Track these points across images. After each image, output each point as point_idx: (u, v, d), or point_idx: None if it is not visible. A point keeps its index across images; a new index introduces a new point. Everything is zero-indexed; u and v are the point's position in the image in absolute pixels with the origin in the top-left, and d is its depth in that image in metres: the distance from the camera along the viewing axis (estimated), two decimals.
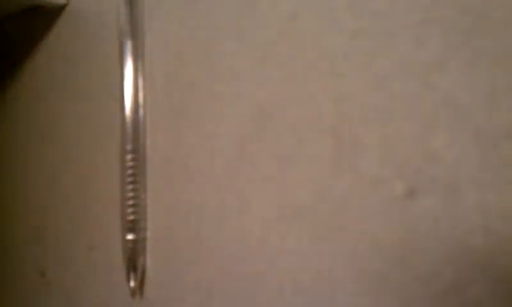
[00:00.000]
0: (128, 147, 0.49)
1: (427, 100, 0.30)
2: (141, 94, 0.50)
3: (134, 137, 0.49)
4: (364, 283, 0.33)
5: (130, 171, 0.49)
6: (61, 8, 0.62)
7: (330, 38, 0.35)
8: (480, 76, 0.28)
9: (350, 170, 0.34)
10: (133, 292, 0.49)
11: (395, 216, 0.32)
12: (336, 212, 0.35)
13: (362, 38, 0.33)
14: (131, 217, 0.48)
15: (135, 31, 0.50)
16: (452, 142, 0.29)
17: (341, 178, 0.34)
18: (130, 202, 0.48)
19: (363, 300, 0.33)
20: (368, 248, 0.33)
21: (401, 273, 0.32)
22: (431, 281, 0.30)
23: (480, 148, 0.28)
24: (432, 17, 0.30)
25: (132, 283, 0.48)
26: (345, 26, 0.34)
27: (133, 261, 0.48)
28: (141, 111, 0.50)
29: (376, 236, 0.33)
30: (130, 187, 0.48)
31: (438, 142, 0.30)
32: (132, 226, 0.48)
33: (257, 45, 0.40)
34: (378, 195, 0.33)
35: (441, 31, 0.30)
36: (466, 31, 0.29)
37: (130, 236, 0.48)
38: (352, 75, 0.34)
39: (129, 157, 0.49)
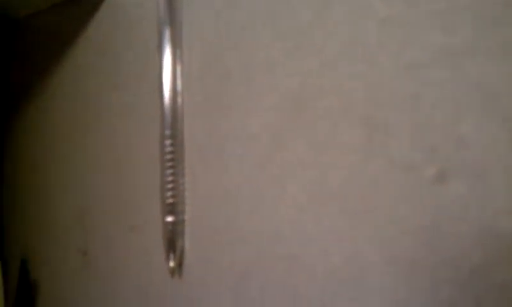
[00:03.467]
0: (167, 133, 0.51)
1: (457, 86, 0.31)
2: (179, 82, 0.51)
3: (172, 124, 0.51)
4: (394, 265, 0.34)
5: (169, 156, 0.50)
6: (101, 0, 0.64)
7: (362, 26, 0.36)
8: (509, 62, 0.29)
9: (382, 155, 0.35)
10: (172, 272, 0.51)
11: (425, 200, 0.33)
12: (368, 196, 0.36)
13: (393, 26, 0.34)
14: (170, 200, 0.50)
15: (173, 21, 0.52)
16: (481, 127, 0.30)
17: (373, 163, 0.35)
18: (170, 186, 0.50)
19: (393, 281, 0.34)
20: (398, 231, 0.34)
21: (431, 255, 0.32)
22: (460, 264, 0.31)
23: (509, 133, 0.29)
24: (462, 5, 0.31)
25: (171, 263, 0.50)
26: (377, 14, 0.35)
27: (172, 242, 0.50)
28: (179, 99, 0.51)
29: (407, 220, 0.34)
30: (169, 171, 0.50)
31: (468, 127, 0.31)
32: (171, 209, 0.50)
33: (291, 34, 0.41)
34: (409, 179, 0.33)
35: (471, 18, 0.30)
36: (496, 18, 0.29)
37: (169, 219, 0.50)
38: (383, 63, 0.35)
39: (168, 142, 0.51)
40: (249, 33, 0.45)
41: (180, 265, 0.51)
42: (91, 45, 0.67)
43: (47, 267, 0.76)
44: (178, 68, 0.51)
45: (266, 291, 0.43)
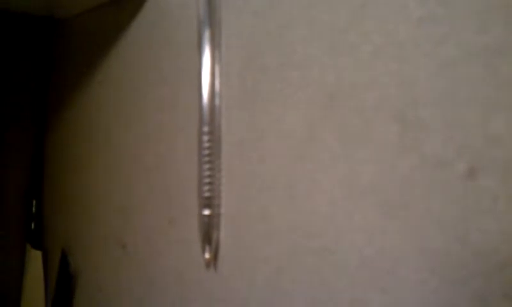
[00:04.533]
0: (205, 129, 0.52)
1: (489, 84, 0.32)
2: (217, 80, 0.53)
3: (210, 120, 0.52)
4: (426, 259, 0.35)
5: (206, 152, 0.52)
6: (144, 0, 0.66)
7: (397, 25, 0.37)
8: None
9: (414, 151, 0.36)
10: (207, 264, 0.52)
11: (456, 195, 0.33)
12: (400, 190, 0.37)
13: (428, 25, 0.35)
14: (207, 194, 0.52)
15: (212, 20, 0.53)
16: None
17: (405, 159, 0.36)
18: (207, 180, 0.52)
19: (424, 275, 0.35)
20: (430, 225, 0.35)
21: (461, 249, 0.33)
22: (490, 257, 0.32)
23: None
24: (495, 4, 0.32)
25: (207, 256, 0.52)
26: (411, 13, 0.36)
27: (208, 235, 0.52)
28: (217, 96, 0.53)
29: (438, 214, 0.34)
30: (206, 166, 0.52)
31: (499, 124, 0.31)
32: (208, 203, 0.52)
33: (327, 32, 0.43)
34: (441, 175, 0.34)
35: (504, 17, 0.31)
36: None
37: (206, 212, 0.51)
38: (417, 60, 0.36)
39: (206, 138, 0.52)
40: (286, 32, 0.46)
41: (215, 256, 0.52)
42: (132, 45, 0.69)
43: (87, 259, 0.79)
44: (217, 66, 0.53)
45: (299, 284, 0.44)
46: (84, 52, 0.84)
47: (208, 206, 0.52)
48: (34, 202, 0.94)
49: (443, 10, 0.34)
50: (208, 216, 0.52)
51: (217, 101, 0.53)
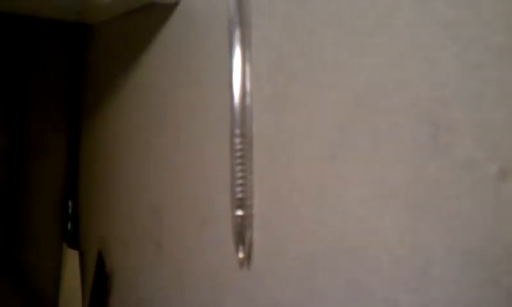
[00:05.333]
0: (237, 131, 0.54)
1: None
2: (248, 83, 0.54)
3: (242, 122, 0.53)
4: (457, 258, 0.36)
5: (238, 154, 0.53)
6: (175, 4, 0.68)
7: (426, 28, 0.37)
8: None
9: (445, 152, 0.36)
10: (241, 263, 0.54)
11: (487, 196, 0.34)
12: (431, 191, 0.37)
13: (457, 28, 0.35)
14: (240, 195, 0.53)
15: (243, 24, 0.54)
16: None
17: (436, 160, 0.37)
18: (239, 181, 0.53)
19: (455, 274, 0.36)
20: (461, 225, 0.35)
21: (493, 249, 0.34)
22: None
23: None
24: None
25: (240, 255, 0.53)
26: (440, 16, 0.36)
27: (241, 235, 0.53)
28: (248, 98, 0.54)
29: (469, 215, 0.35)
30: (238, 168, 0.53)
31: None
32: (241, 203, 0.53)
33: (356, 35, 0.43)
34: (471, 176, 0.35)
35: None
36: None
37: (239, 213, 0.53)
38: (447, 63, 0.36)
39: (238, 140, 0.53)
40: (315, 34, 0.47)
41: (248, 256, 0.53)
42: (163, 48, 0.71)
43: (122, 259, 0.81)
44: (248, 69, 0.54)
45: (331, 283, 0.45)
46: (116, 56, 0.86)
47: (240, 207, 0.53)
48: (70, 203, 0.96)
49: (471, 12, 0.34)
50: (241, 217, 0.53)
51: (248, 103, 0.54)
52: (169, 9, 0.69)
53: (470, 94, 0.35)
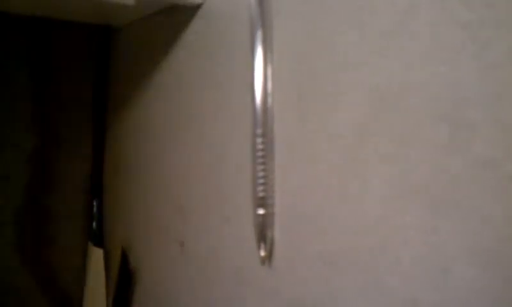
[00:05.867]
0: (259, 131, 0.54)
1: None
2: (269, 83, 0.55)
3: (263, 122, 0.54)
4: (477, 256, 0.36)
5: (260, 153, 0.54)
6: (198, 6, 0.69)
7: (445, 28, 0.38)
8: None
9: (464, 151, 0.36)
10: (263, 261, 0.54)
11: (506, 194, 0.34)
12: (450, 190, 0.37)
13: (475, 28, 0.36)
14: (261, 194, 0.54)
15: (264, 25, 0.55)
16: None
17: (455, 159, 0.37)
18: (261, 181, 0.54)
19: (475, 272, 0.36)
20: (481, 224, 0.36)
21: None
22: None
23: None
24: None
25: (262, 253, 0.54)
26: (459, 16, 0.37)
27: (263, 233, 0.54)
28: (269, 99, 0.55)
29: (489, 213, 0.35)
30: (260, 167, 0.54)
31: None
32: (262, 202, 0.54)
33: (377, 36, 0.44)
34: (490, 175, 0.35)
35: None
36: None
37: (260, 211, 0.53)
38: (465, 63, 0.36)
39: (259, 140, 0.54)
40: (336, 36, 0.48)
41: (270, 254, 0.54)
42: (187, 49, 0.72)
43: (146, 257, 0.82)
44: (269, 69, 0.55)
45: (352, 281, 0.46)
46: (140, 57, 0.87)
47: (262, 205, 0.54)
48: (95, 202, 0.98)
49: (490, 13, 0.35)
50: (262, 215, 0.54)
51: (269, 103, 0.55)
52: (192, 11, 0.70)
53: (488, 94, 0.35)
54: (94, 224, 0.97)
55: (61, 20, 0.88)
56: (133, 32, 0.90)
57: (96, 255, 0.94)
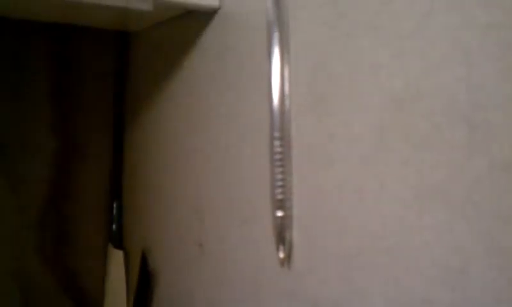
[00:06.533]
0: (276, 134, 0.55)
1: None
2: (287, 86, 0.55)
3: (281, 126, 0.55)
4: (495, 258, 0.36)
5: (278, 156, 0.55)
6: (214, 11, 0.70)
7: (463, 32, 0.38)
8: None
9: (482, 153, 0.37)
10: (282, 262, 0.55)
11: None
12: (469, 191, 0.38)
13: (493, 32, 0.36)
14: (280, 197, 0.54)
15: (281, 29, 0.56)
16: None
17: (474, 160, 0.37)
18: (279, 183, 0.54)
19: (494, 273, 0.36)
20: (498, 225, 0.36)
21: None
22: None
23: None
24: None
25: (280, 254, 0.54)
26: (478, 20, 0.37)
27: (281, 235, 0.54)
28: (287, 101, 0.55)
29: (506, 215, 0.35)
30: (278, 170, 0.54)
31: None
32: (281, 204, 0.54)
33: (394, 39, 0.44)
34: (508, 176, 0.35)
35: None
36: None
37: (279, 213, 0.54)
38: (484, 66, 0.37)
39: (277, 143, 0.55)
40: (353, 39, 0.48)
41: (289, 256, 0.54)
42: (204, 52, 0.73)
43: (165, 258, 0.83)
44: (286, 72, 0.55)
45: (371, 281, 0.46)
46: (158, 61, 0.88)
47: (280, 207, 0.54)
48: (114, 204, 0.99)
49: (508, 17, 0.35)
50: (281, 217, 0.54)
51: (287, 106, 0.55)
52: (209, 15, 0.70)
53: (506, 96, 0.35)
54: (114, 225, 0.99)
55: (81, 25, 0.90)
56: (151, 37, 0.91)
57: (117, 257, 0.96)
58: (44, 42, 0.94)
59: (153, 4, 0.69)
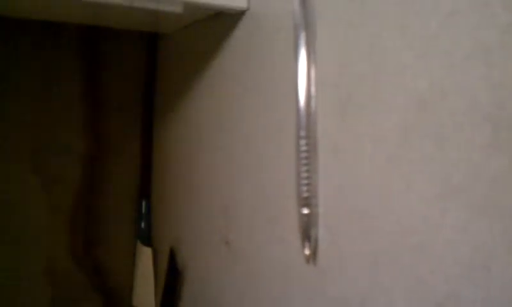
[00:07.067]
0: (302, 134, 0.56)
1: None
2: (313, 87, 0.56)
3: (307, 125, 0.56)
4: None
5: (304, 155, 0.56)
6: (242, 13, 0.71)
7: (486, 32, 0.39)
8: None
9: (505, 151, 0.37)
10: (307, 260, 0.56)
11: None
12: (491, 189, 0.38)
13: None
14: (306, 195, 0.55)
15: (308, 29, 0.57)
16: None
17: (496, 159, 0.38)
18: (305, 181, 0.55)
19: None
20: None
21: None
22: None
23: None
24: None
25: (306, 251, 0.55)
26: (500, 19, 0.38)
27: (307, 232, 0.55)
28: (313, 101, 0.56)
29: None
30: (304, 168, 0.55)
31: None
32: (307, 202, 0.55)
33: (419, 40, 0.45)
34: None
35: None
36: None
37: (305, 211, 0.55)
38: (507, 65, 0.37)
39: (303, 142, 0.56)
40: (379, 40, 0.49)
41: (314, 253, 0.55)
42: (232, 53, 0.74)
43: (193, 255, 0.85)
44: (313, 73, 0.56)
45: (395, 279, 0.47)
46: (187, 62, 0.90)
47: (306, 205, 0.55)
48: (143, 203, 1.01)
49: None
50: (306, 215, 0.55)
51: (313, 106, 0.56)
52: (237, 17, 0.72)
53: None
54: (143, 224, 1.01)
55: (112, 28, 0.92)
56: (180, 39, 0.93)
57: (145, 254, 0.98)
58: (76, 44, 0.97)
59: (182, 6, 0.71)
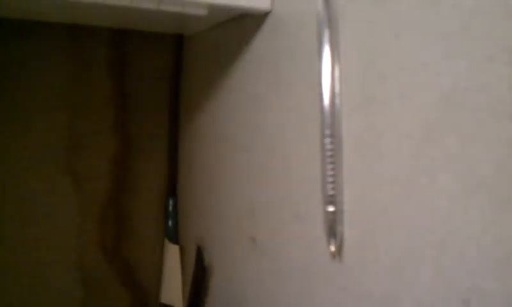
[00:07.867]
0: (327, 132, 0.57)
1: None
2: (337, 85, 0.57)
3: (331, 124, 0.57)
4: None
5: (329, 153, 0.57)
6: (266, 14, 0.72)
7: (508, 31, 0.39)
8: None
9: None
10: (333, 256, 0.57)
11: None
12: None
13: None
14: (331, 192, 0.56)
15: (331, 28, 0.58)
16: None
17: None
18: (330, 179, 0.56)
19: None
20: None
21: None
22: None
23: None
24: None
25: (332, 248, 0.56)
26: None
27: (333, 229, 0.56)
28: (337, 100, 0.57)
29: None
30: (329, 166, 0.56)
31: None
32: (332, 200, 0.56)
33: (441, 38, 0.45)
34: None
35: None
36: None
37: (330, 208, 0.56)
38: None
39: (328, 140, 0.57)
40: (401, 38, 0.50)
41: (340, 249, 0.56)
42: (256, 54, 0.75)
43: (220, 253, 0.86)
44: (336, 72, 0.57)
45: (419, 274, 0.47)
46: (212, 63, 0.91)
47: (332, 203, 0.56)
48: (170, 201, 1.03)
49: None
50: (332, 212, 0.56)
51: (337, 105, 0.57)
52: (261, 18, 0.73)
53: None
54: (170, 221, 1.03)
55: (138, 30, 0.94)
56: (204, 40, 0.94)
57: (173, 251, 0.99)
58: (104, 46, 0.99)
59: (207, 8, 0.72)
